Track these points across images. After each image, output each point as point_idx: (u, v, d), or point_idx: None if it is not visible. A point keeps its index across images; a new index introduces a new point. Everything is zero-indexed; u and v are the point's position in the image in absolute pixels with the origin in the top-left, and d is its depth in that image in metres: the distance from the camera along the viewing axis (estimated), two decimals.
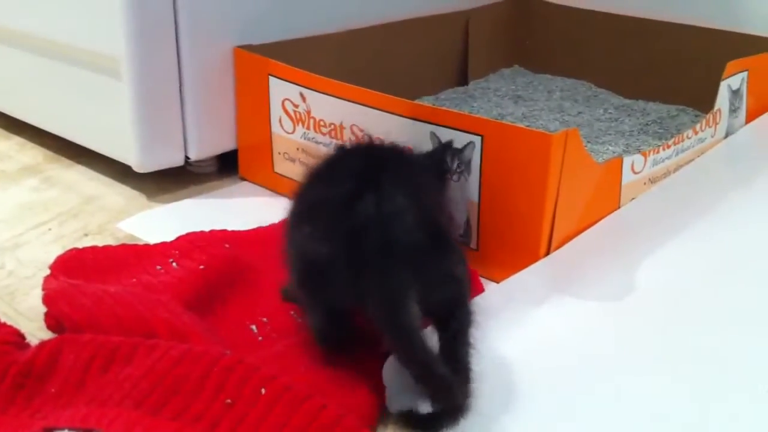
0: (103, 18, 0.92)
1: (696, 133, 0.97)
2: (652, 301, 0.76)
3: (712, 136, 1.00)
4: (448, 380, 0.58)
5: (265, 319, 0.72)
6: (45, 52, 1.05)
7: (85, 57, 0.98)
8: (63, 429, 0.55)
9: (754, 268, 0.83)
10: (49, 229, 0.90)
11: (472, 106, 1.20)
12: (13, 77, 1.13)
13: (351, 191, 0.60)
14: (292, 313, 0.73)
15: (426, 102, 1.21)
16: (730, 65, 1.01)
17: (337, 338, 0.66)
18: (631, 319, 0.74)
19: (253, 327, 0.71)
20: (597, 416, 0.61)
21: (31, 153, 1.11)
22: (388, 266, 0.57)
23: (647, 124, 1.15)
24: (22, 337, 0.67)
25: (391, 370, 0.63)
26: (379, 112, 0.87)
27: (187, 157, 0.98)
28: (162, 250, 0.81)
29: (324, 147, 0.92)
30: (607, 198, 0.85)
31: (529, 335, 0.70)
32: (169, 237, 0.82)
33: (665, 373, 0.66)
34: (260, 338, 0.70)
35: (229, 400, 0.56)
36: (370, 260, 0.57)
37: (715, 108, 0.99)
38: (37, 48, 1.05)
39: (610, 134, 1.11)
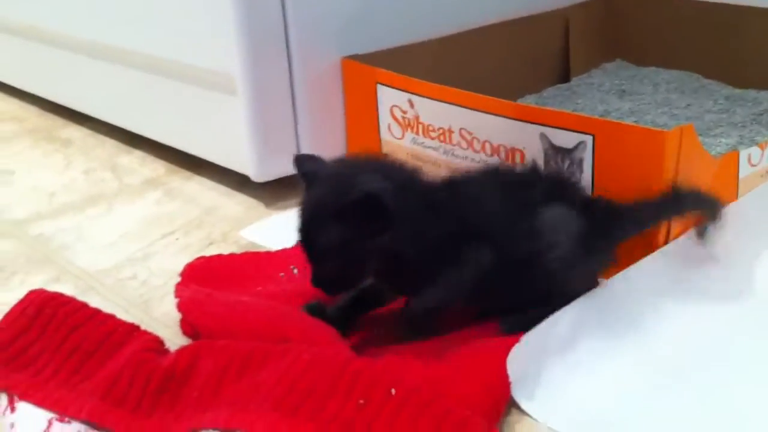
0: (217, 37, 0.97)
1: None
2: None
3: None
4: None
5: None
6: (162, 71, 1.10)
7: (201, 74, 1.03)
8: (208, 430, 0.59)
9: None
10: (176, 239, 0.94)
11: (577, 103, 1.20)
12: (134, 94, 1.19)
13: None
14: None
15: (529, 100, 1.21)
16: None
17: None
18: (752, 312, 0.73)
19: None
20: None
21: (153, 166, 1.17)
22: None
23: (760, 114, 1.12)
24: (161, 343, 0.71)
25: (516, 360, 0.64)
26: (486, 114, 0.88)
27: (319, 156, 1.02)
28: (283, 256, 0.84)
29: (433, 151, 0.94)
30: (724, 192, 0.84)
31: (649, 329, 0.70)
32: (289, 243, 0.85)
33: None
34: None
35: (361, 401, 0.59)
36: None
37: None
38: (155, 67, 1.11)
39: (722, 126, 1.09)
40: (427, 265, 0.69)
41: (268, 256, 0.86)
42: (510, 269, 0.69)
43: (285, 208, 1.00)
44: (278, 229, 0.95)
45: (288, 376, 0.61)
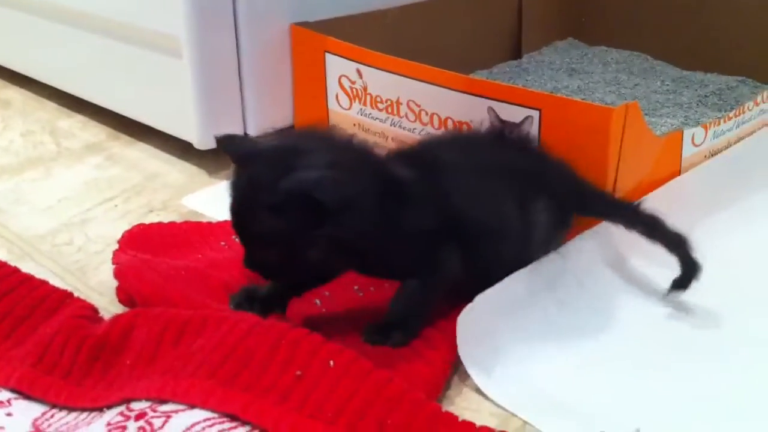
0: None
1: (757, 104, 0.95)
2: (713, 276, 0.76)
3: None
4: None
5: (327, 293, 0.74)
6: (105, 32, 1.07)
7: (145, 36, 1.00)
8: (140, 400, 0.57)
9: None
10: (115, 206, 0.92)
11: (527, 80, 1.20)
12: (75, 57, 1.16)
13: None
14: (355, 287, 0.74)
15: (480, 76, 1.21)
16: None
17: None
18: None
19: (317, 301, 0.73)
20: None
21: (94, 131, 1.14)
22: None
23: (706, 96, 1.13)
24: (95, 311, 0.69)
25: (464, 324, 0.64)
26: (436, 87, 0.87)
27: (246, 133, 1.00)
28: (225, 226, 0.83)
29: (381, 123, 0.93)
30: (667, 171, 0.85)
31: (584, 305, 0.71)
32: None
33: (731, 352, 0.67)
34: (323, 310, 0.71)
35: (299, 372, 0.58)
36: None
37: None
38: (98, 27, 1.08)
39: (668, 107, 1.10)
40: (388, 251, 0.65)
41: (210, 225, 0.84)
42: (483, 261, 0.68)
43: (228, 176, 0.97)
44: (221, 198, 0.90)
45: (224, 345, 0.60)
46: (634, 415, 0.59)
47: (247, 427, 0.55)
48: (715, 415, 0.60)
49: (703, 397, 0.62)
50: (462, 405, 0.61)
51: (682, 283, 0.71)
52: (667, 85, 1.18)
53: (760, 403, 0.61)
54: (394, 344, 0.66)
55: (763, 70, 1.01)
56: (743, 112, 0.93)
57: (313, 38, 0.97)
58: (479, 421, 0.57)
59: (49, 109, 1.23)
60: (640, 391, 0.62)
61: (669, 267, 0.71)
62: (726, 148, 0.91)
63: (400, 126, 0.92)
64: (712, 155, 0.90)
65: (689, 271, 0.70)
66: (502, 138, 0.78)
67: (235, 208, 0.63)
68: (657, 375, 0.64)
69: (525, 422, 0.59)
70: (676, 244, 0.71)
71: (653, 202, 0.80)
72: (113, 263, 0.75)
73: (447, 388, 0.63)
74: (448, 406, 0.60)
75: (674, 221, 0.78)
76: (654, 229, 0.72)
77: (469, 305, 0.65)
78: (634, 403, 0.61)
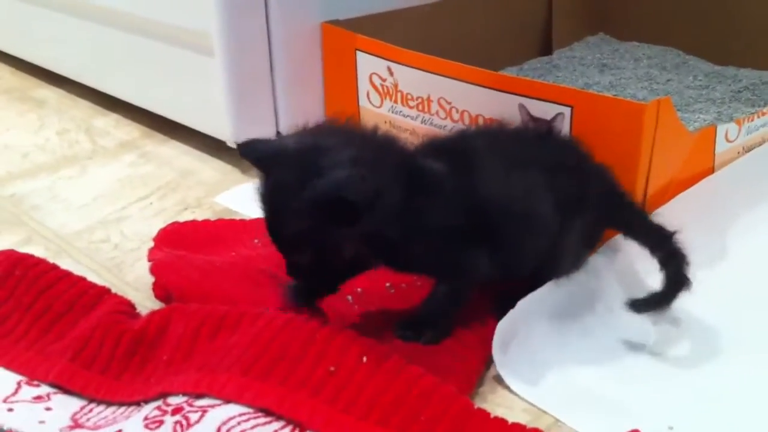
0: None
1: None
2: (745, 270, 0.76)
3: None
4: None
5: (359, 290, 0.74)
6: (137, 30, 1.08)
7: (177, 34, 1.01)
8: (177, 394, 0.58)
9: None
10: (150, 203, 0.93)
11: (557, 76, 1.19)
12: (108, 55, 1.17)
13: None
14: (387, 284, 0.75)
15: (510, 72, 1.20)
16: None
17: None
18: (722, 288, 0.73)
19: (349, 297, 0.73)
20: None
21: (127, 129, 1.16)
22: None
23: (739, 91, 1.12)
24: (132, 306, 0.70)
25: (502, 333, 0.64)
26: (466, 84, 0.87)
27: (278, 131, 1.00)
28: (258, 223, 0.83)
29: (412, 120, 0.94)
30: (700, 167, 0.84)
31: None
32: None
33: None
34: (356, 307, 0.72)
35: (332, 368, 0.59)
36: None
37: None
38: (129, 26, 1.09)
39: (700, 102, 1.09)
40: (417, 245, 0.64)
41: (243, 222, 0.85)
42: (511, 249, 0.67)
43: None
44: (254, 195, 0.94)
45: (259, 341, 0.61)
46: (666, 413, 0.59)
47: (282, 422, 0.55)
48: (747, 412, 0.60)
49: (734, 394, 0.61)
50: (495, 402, 0.62)
51: (666, 298, 0.68)
52: (700, 80, 1.17)
53: None
54: (426, 341, 0.66)
55: None
56: None
57: (344, 36, 0.98)
58: (511, 418, 0.58)
59: (83, 107, 1.25)
60: (673, 389, 0.62)
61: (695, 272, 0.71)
62: (760, 143, 0.91)
63: (431, 123, 0.92)
64: (745, 151, 0.89)
65: (678, 287, 0.68)
66: (547, 136, 0.76)
67: (268, 217, 0.63)
68: (689, 374, 0.64)
69: (556, 420, 0.59)
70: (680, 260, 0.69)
71: (686, 202, 0.80)
72: (149, 260, 0.77)
73: (480, 385, 0.63)
74: (480, 403, 0.61)
75: (707, 221, 0.78)
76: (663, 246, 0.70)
77: (510, 312, 0.65)
78: (667, 402, 0.61)
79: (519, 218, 0.67)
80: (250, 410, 0.56)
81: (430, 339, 0.66)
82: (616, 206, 0.73)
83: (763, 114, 0.90)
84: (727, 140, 0.86)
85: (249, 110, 0.98)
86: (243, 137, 0.97)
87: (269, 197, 0.62)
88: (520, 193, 0.67)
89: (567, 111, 0.80)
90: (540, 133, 0.77)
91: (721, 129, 0.85)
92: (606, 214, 0.72)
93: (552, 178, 0.68)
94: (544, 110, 0.81)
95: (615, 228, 0.75)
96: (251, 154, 0.65)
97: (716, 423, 0.59)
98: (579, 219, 0.70)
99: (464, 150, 0.69)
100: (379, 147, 0.65)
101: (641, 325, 0.68)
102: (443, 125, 0.90)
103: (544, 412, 0.60)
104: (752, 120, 0.89)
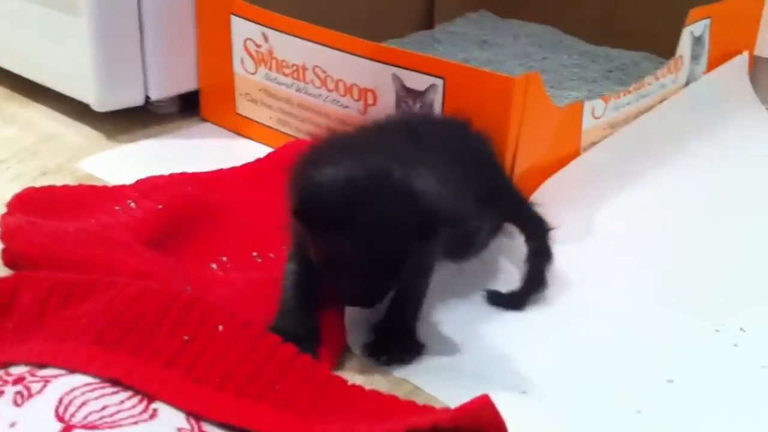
0: None
1: (657, 79, 0.97)
2: (613, 246, 0.78)
3: (673, 83, 1.01)
4: None
5: (224, 258, 0.73)
6: None
7: None
8: (19, 364, 0.55)
9: (712, 215, 0.85)
10: (8, 168, 0.88)
11: (438, 50, 1.19)
12: None
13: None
14: (254, 254, 0.73)
15: (392, 45, 1.20)
16: (693, 12, 1.01)
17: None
18: (592, 262, 0.76)
19: (214, 265, 0.72)
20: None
21: None
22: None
23: (610, 71, 1.15)
24: None
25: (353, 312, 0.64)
26: (342, 53, 0.86)
27: (147, 97, 0.97)
28: (121, 191, 0.81)
29: (286, 88, 0.92)
30: (567, 142, 0.86)
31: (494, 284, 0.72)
32: (129, 177, 0.82)
33: (630, 314, 0.69)
34: (220, 274, 0.70)
35: (186, 337, 0.57)
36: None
37: (677, 54, 0.99)
38: None
39: (573, 80, 1.11)
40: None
41: (105, 189, 0.82)
42: None
43: (128, 140, 0.96)
44: (119, 162, 0.91)
45: (111, 310, 0.59)
46: (520, 380, 0.60)
47: (130, 392, 0.53)
48: (601, 376, 0.62)
49: (589, 361, 0.63)
50: (354, 369, 0.61)
51: (521, 298, 0.70)
52: (575, 59, 1.20)
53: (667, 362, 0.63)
54: (410, 361, 0.63)
55: (665, 46, 1.03)
56: (643, 87, 0.95)
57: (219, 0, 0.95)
58: (370, 386, 0.57)
59: None
60: (528, 359, 0.63)
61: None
62: (625, 121, 0.93)
63: (306, 92, 0.91)
64: (611, 127, 0.91)
65: (535, 287, 0.70)
66: (463, 128, 0.75)
67: (368, 254, 0.57)
68: (545, 344, 0.65)
69: (415, 386, 0.60)
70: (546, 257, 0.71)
71: (556, 184, 0.82)
72: (0, 226, 0.72)
73: (342, 357, 0.63)
74: (341, 373, 0.60)
75: (577, 203, 0.80)
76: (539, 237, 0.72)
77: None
78: (520, 370, 0.62)
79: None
80: (97, 380, 0.54)
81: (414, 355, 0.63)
82: (506, 194, 0.74)
83: (629, 93, 0.93)
84: (594, 117, 0.88)
85: (116, 74, 0.94)
86: (109, 102, 0.95)
87: (369, 233, 0.56)
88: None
89: (440, 83, 0.80)
90: (459, 124, 0.75)
91: (588, 106, 0.87)
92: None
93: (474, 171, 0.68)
94: (417, 81, 0.81)
95: (502, 215, 0.74)
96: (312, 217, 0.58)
97: (568, 388, 0.60)
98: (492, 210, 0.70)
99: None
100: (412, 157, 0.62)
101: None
102: (318, 94, 0.89)
103: (404, 379, 0.60)
104: (618, 98, 0.91)
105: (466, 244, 0.69)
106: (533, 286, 0.70)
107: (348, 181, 0.57)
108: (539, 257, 0.70)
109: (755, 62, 1.14)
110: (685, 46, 1.01)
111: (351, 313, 0.65)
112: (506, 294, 0.70)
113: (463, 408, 0.51)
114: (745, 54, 1.11)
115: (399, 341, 0.63)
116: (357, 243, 0.56)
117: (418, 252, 0.58)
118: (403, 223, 0.56)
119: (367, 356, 0.62)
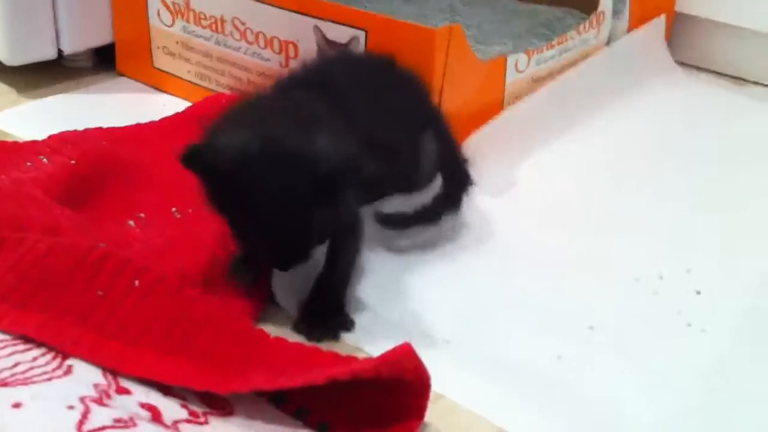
0: None
1: (579, 33, 0.98)
2: (535, 199, 0.79)
3: (595, 38, 1.01)
4: None
5: (142, 215, 0.71)
6: None
7: None
8: None
9: (630, 169, 0.87)
10: None
11: (365, 6, 1.18)
12: None
13: None
14: (173, 209, 0.72)
15: None
16: None
17: None
18: (515, 214, 0.76)
19: (131, 222, 0.70)
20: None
21: None
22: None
23: (535, 27, 1.15)
24: None
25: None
26: (261, 4, 0.84)
27: (60, 51, 0.94)
28: (32, 146, 0.78)
29: (205, 41, 0.89)
30: (491, 96, 0.86)
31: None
32: (42, 133, 0.79)
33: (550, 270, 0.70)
34: (137, 231, 0.68)
35: (100, 292, 0.55)
36: None
37: (599, 10, 1.00)
38: None
39: (498, 36, 1.11)
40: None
41: (16, 144, 0.79)
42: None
43: (41, 96, 0.92)
44: (31, 117, 0.88)
45: (21, 266, 0.57)
46: (443, 330, 0.61)
47: (43, 349, 0.52)
48: (518, 325, 0.63)
49: (510, 310, 0.64)
50: (280, 323, 0.61)
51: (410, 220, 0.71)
52: (501, 14, 1.19)
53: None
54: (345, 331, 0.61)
55: (588, 3, 1.04)
56: (565, 41, 0.95)
57: None
58: (293, 339, 0.57)
59: None
60: (450, 310, 0.64)
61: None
62: (549, 75, 0.94)
63: (225, 45, 0.88)
64: (534, 81, 0.91)
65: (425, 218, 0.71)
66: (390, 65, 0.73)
67: (270, 215, 0.56)
68: (467, 293, 0.66)
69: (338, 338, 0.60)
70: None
71: (481, 138, 0.82)
72: None
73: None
74: (262, 324, 0.59)
75: (503, 155, 0.81)
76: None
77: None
78: (442, 320, 0.62)
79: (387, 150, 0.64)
80: (7, 338, 0.52)
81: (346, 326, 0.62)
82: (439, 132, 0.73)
83: (552, 47, 0.93)
84: (517, 70, 0.88)
85: (26, 27, 0.90)
86: (20, 56, 0.91)
87: (269, 195, 0.55)
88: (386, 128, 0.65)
89: (362, 35, 0.79)
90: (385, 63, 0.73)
91: (512, 59, 0.87)
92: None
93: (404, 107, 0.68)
94: (339, 33, 0.80)
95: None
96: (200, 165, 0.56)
97: (491, 336, 0.61)
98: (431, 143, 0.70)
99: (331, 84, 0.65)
100: (314, 116, 0.60)
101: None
102: (238, 47, 0.87)
103: None
104: (541, 52, 0.91)
105: (408, 178, 0.69)
106: (424, 215, 0.70)
107: (241, 153, 0.55)
108: (444, 201, 0.71)
109: (676, 18, 1.16)
110: (606, 1, 1.01)
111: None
112: (395, 214, 0.70)
113: (385, 356, 0.50)
114: (662, 17, 1.13)
115: (328, 317, 0.61)
116: (251, 213, 0.55)
117: (322, 212, 0.56)
118: (294, 189, 0.55)
119: (298, 334, 0.60)
